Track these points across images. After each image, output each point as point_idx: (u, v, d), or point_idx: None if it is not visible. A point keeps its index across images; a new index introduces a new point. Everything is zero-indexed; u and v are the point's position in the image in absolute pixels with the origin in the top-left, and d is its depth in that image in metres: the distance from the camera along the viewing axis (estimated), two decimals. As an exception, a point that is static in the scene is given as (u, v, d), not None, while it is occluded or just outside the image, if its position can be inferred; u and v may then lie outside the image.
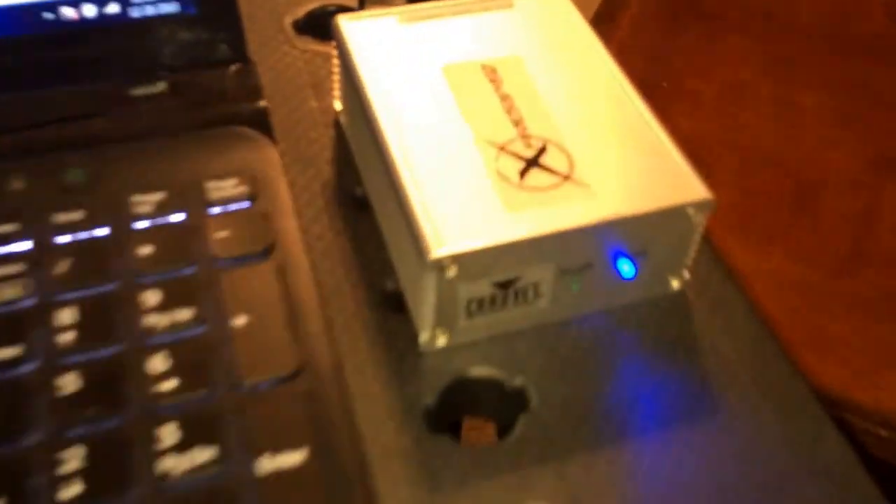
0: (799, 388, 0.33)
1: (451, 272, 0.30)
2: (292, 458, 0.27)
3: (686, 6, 0.73)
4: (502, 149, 0.33)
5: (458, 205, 0.31)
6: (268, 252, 0.31)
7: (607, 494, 0.29)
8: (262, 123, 0.35)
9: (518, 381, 0.32)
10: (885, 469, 0.44)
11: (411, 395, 0.31)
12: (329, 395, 0.29)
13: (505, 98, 0.35)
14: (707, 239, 0.36)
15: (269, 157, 0.34)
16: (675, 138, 0.34)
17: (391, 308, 0.34)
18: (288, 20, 0.43)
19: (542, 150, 0.33)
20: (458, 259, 0.30)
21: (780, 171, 0.62)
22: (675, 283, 0.35)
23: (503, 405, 0.33)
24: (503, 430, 0.31)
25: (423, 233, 0.30)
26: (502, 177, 0.32)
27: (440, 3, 0.39)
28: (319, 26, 0.44)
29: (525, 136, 0.33)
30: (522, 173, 0.32)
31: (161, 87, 0.35)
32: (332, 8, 0.45)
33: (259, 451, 0.27)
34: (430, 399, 0.31)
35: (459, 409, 0.33)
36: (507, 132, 0.33)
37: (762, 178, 0.61)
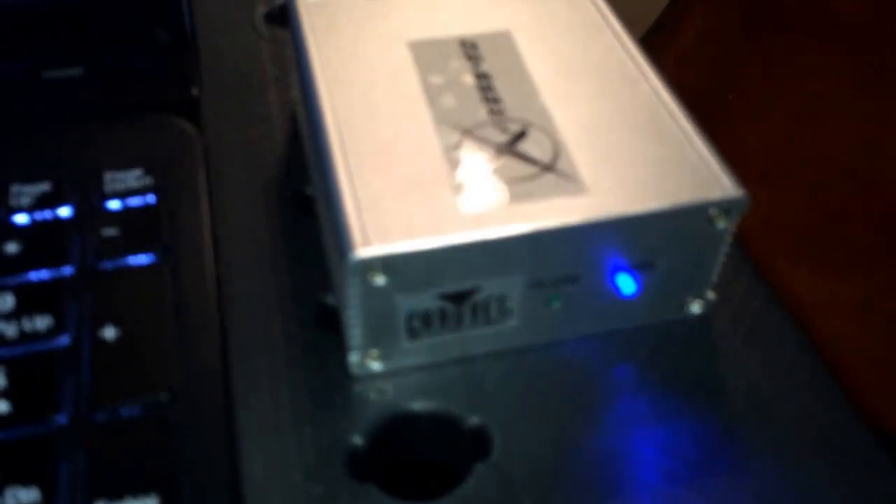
0: (866, 446, 0.26)
1: (380, 280, 0.25)
2: (134, 509, 0.22)
3: (759, 17, 0.67)
4: (468, 133, 0.28)
5: (400, 197, 0.26)
6: (161, 254, 0.27)
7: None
8: (191, 113, 0.32)
9: (476, 420, 0.26)
10: None
11: (334, 431, 0.26)
12: (204, 430, 0.24)
13: (482, 77, 0.30)
14: (743, 249, 0.30)
15: (188, 150, 0.30)
16: (709, 133, 0.28)
17: (327, 326, 0.29)
18: (261, 11, 0.40)
19: (519, 136, 0.28)
20: (388, 263, 0.25)
21: (867, 190, 0.54)
22: (694, 306, 0.29)
23: (454, 450, 0.27)
24: (451, 481, 0.26)
25: (347, 228, 0.25)
26: (462, 166, 0.27)
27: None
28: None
29: (500, 120, 0.28)
30: (489, 162, 0.27)
31: (77, 70, 0.32)
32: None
33: (94, 496, 0.22)
34: (357, 438, 0.26)
35: (397, 453, 0.27)
36: (477, 114, 0.29)
37: (845, 197, 0.54)
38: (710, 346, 0.28)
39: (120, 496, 0.22)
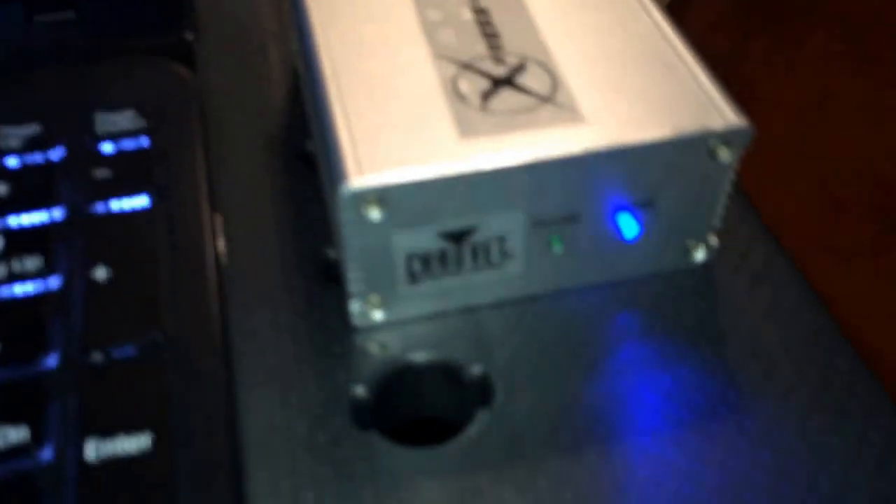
0: (869, 392, 0.25)
1: (375, 213, 0.24)
2: (128, 445, 0.21)
3: (763, 10, 0.66)
4: (466, 66, 0.27)
5: (397, 130, 0.25)
6: (155, 197, 0.27)
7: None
8: (185, 59, 0.31)
9: (479, 370, 0.26)
10: None
11: (337, 382, 0.26)
12: (199, 373, 0.23)
13: (480, 11, 0.29)
14: (745, 194, 0.29)
15: (183, 93, 0.30)
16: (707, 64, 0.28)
17: (329, 280, 0.28)
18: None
19: (518, 68, 0.27)
20: (383, 195, 0.24)
21: (872, 182, 0.54)
22: (698, 253, 0.28)
23: (457, 400, 0.26)
24: (454, 430, 0.25)
25: (341, 161, 0.24)
26: (460, 98, 0.26)
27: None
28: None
29: (498, 53, 0.28)
30: (487, 94, 0.26)
31: (69, 14, 0.31)
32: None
33: (86, 433, 0.22)
34: (361, 389, 0.26)
35: (400, 403, 0.27)
36: (475, 48, 0.28)
37: (850, 190, 0.54)
38: (712, 295, 0.28)
39: (112, 434, 0.22)
